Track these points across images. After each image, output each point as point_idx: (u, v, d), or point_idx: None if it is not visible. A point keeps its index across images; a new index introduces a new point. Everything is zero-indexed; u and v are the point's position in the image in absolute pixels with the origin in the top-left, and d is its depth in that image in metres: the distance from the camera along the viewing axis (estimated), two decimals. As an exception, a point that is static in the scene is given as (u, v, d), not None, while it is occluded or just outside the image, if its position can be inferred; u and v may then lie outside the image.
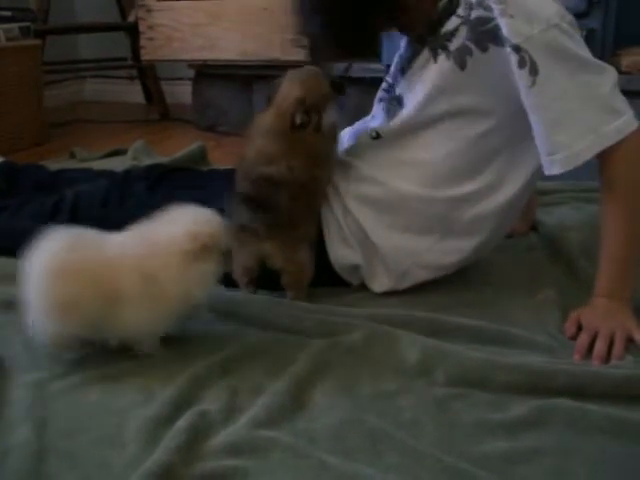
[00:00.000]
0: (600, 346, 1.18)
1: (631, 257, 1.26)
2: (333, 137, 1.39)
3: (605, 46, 2.58)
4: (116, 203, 1.55)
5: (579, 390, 1.07)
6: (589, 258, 1.52)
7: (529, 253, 1.63)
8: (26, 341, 1.22)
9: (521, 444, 0.98)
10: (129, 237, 1.18)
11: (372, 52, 1.58)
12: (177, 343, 1.21)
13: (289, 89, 1.34)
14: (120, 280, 1.12)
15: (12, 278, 1.46)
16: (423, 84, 1.33)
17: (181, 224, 1.16)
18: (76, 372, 1.14)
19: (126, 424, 1.00)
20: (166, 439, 0.94)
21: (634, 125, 1.21)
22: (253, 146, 1.34)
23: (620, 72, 2.54)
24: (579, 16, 2.45)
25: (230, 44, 2.88)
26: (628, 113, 1.22)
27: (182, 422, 0.98)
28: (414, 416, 1.04)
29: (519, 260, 1.59)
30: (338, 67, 2.78)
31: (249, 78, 3.00)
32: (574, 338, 1.22)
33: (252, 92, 3.03)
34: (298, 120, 1.30)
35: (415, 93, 1.35)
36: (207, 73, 3.09)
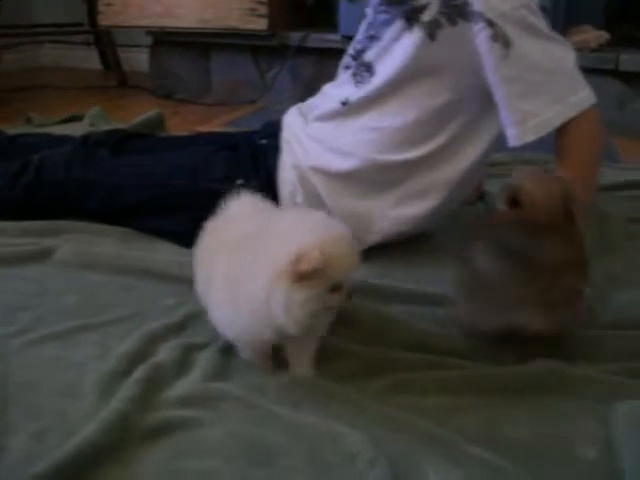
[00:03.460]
0: None
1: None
2: None
3: (556, 24, 2.64)
4: (80, 168, 1.56)
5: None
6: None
7: (475, 221, 1.69)
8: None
9: (463, 399, 1.04)
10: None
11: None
12: (134, 303, 1.26)
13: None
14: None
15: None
16: (397, 53, 1.37)
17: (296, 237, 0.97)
18: (35, 329, 1.18)
19: (84, 377, 1.04)
20: (122, 390, 0.99)
21: (593, 98, 1.30)
22: None
23: (569, 49, 2.62)
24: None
25: (188, 11, 2.88)
26: (588, 86, 1.31)
27: (137, 374, 1.02)
28: (359, 372, 1.09)
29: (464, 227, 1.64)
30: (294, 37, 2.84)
31: (207, 46, 3.02)
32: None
33: (209, 60, 3.04)
34: None
35: (388, 62, 1.39)
36: (165, 40, 3.09)
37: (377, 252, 1.44)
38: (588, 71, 2.52)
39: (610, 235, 1.58)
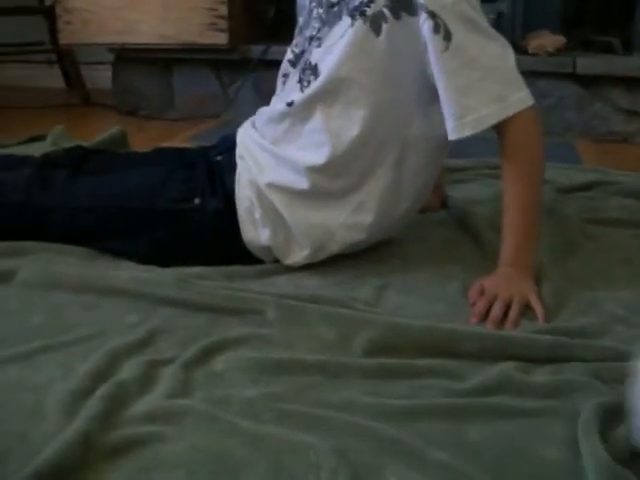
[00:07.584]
0: (495, 311, 1.25)
1: (531, 224, 1.34)
2: None
3: (514, 29, 2.70)
4: (38, 191, 1.54)
5: (490, 353, 1.14)
6: (494, 230, 1.60)
7: (438, 228, 1.70)
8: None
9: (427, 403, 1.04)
10: None
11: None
12: (97, 322, 1.25)
13: None
14: None
15: None
16: (341, 50, 1.35)
17: None
18: (-3, 351, 1.17)
19: (46, 398, 1.03)
20: (84, 409, 0.98)
21: (531, 100, 1.31)
22: None
23: (527, 54, 2.68)
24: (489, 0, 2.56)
25: (148, 27, 2.88)
26: (527, 88, 1.32)
27: (99, 392, 1.02)
28: (323, 382, 1.09)
29: (428, 235, 1.65)
30: (256, 50, 2.85)
31: (168, 62, 3.02)
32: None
33: (172, 76, 3.05)
34: None
35: (332, 59, 1.37)
36: (127, 57, 3.09)
37: (343, 261, 1.47)
38: (546, 75, 2.60)
39: (569, 236, 1.60)
